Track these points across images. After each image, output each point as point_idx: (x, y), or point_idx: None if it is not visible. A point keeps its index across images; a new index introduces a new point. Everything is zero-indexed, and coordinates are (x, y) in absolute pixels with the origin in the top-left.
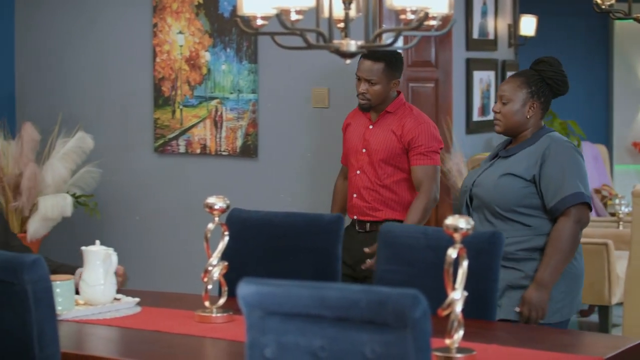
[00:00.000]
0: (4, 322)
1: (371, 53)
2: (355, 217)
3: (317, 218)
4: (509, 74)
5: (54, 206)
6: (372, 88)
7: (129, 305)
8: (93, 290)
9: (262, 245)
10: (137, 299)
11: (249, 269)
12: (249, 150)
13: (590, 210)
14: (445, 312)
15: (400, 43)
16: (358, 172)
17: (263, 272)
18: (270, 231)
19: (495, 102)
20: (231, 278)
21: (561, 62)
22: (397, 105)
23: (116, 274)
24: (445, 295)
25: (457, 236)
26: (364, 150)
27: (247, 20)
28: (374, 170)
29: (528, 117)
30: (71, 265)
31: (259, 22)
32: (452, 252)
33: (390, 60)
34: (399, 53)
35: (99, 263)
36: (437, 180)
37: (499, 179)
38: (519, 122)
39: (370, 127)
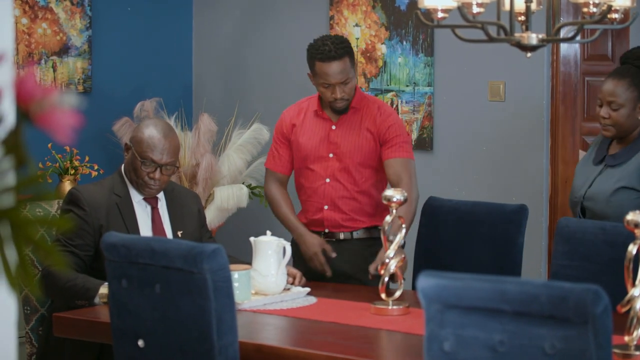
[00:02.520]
0: (184, 311)
1: (329, 54)
2: (326, 230)
3: (499, 208)
4: None
5: (229, 197)
6: (348, 86)
7: (300, 295)
8: (265, 280)
9: (449, 232)
10: (307, 289)
11: (435, 256)
12: (424, 143)
13: None
14: (624, 309)
15: (578, 36)
16: (328, 180)
17: (448, 259)
18: (457, 219)
19: (600, 105)
20: (419, 263)
21: None
22: (359, 98)
23: (293, 277)
24: (624, 292)
25: (638, 232)
26: (331, 155)
27: (427, 13)
28: (349, 176)
29: (639, 117)
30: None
31: (440, 14)
32: (633, 248)
33: (350, 50)
34: (344, 38)
35: (271, 253)
36: (416, 177)
37: (612, 195)
38: (632, 126)
39: (333, 127)
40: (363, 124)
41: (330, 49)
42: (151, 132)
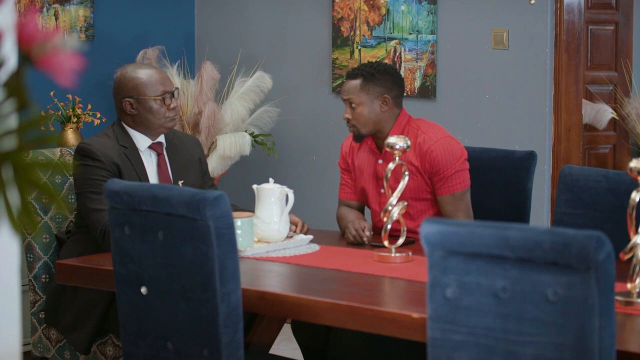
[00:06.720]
0: (187, 258)
1: (351, 71)
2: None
3: (509, 154)
4: None
5: (232, 145)
6: (355, 112)
7: (303, 242)
8: (268, 228)
9: None
10: (310, 236)
11: None
12: (427, 91)
13: None
14: (627, 256)
15: None
16: (385, 219)
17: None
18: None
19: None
20: None
21: None
22: (400, 128)
23: (295, 225)
24: (626, 239)
25: None
26: (382, 191)
27: None
28: (404, 212)
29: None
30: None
31: None
32: (636, 196)
33: (369, 74)
34: (385, 64)
35: (274, 200)
36: (469, 204)
37: None
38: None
39: (380, 161)
40: (407, 157)
41: (355, 67)
42: (145, 72)
